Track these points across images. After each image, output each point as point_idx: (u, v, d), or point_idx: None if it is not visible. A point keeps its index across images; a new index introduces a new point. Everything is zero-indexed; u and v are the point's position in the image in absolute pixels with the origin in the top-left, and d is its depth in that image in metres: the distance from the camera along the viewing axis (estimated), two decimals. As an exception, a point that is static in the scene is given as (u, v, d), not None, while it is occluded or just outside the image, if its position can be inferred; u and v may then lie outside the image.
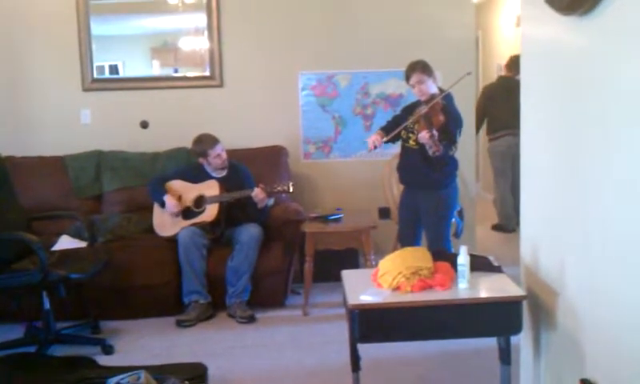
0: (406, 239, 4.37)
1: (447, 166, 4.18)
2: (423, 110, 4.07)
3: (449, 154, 4.08)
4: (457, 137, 4.12)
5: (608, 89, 2.28)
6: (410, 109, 4.33)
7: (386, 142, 4.28)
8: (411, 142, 4.22)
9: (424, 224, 4.30)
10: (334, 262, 4.42)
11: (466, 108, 4.81)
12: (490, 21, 8.90)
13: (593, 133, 2.41)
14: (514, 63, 6.57)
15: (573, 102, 2.58)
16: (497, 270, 3.15)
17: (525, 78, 3.15)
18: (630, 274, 2.18)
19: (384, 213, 5.22)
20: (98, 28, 5.63)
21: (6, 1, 5.54)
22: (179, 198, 4.87)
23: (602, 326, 2.40)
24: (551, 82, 2.81)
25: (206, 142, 4.86)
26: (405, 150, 4.32)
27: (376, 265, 3.17)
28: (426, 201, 4.24)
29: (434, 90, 4.16)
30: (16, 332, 4.29)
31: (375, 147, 4.21)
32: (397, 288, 2.95)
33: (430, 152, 3.90)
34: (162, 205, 4.86)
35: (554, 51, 2.76)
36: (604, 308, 2.38)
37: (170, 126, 5.62)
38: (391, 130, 4.25)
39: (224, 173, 4.92)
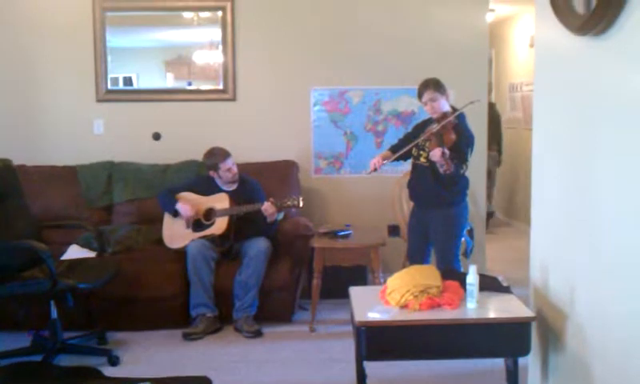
0: (415, 257, 4.34)
1: (458, 184, 4.16)
2: (435, 127, 4.06)
3: (459, 173, 4.06)
4: (468, 155, 4.10)
5: (621, 107, 2.27)
6: (421, 126, 4.32)
7: (394, 161, 4.28)
8: (422, 159, 4.21)
9: (433, 242, 4.28)
10: (343, 278, 4.41)
11: (478, 128, 4.79)
12: (503, 40, 8.90)
13: (604, 155, 2.39)
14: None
15: (585, 121, 2.57)
16: (506, 290, 3.13)
17: (538, 96, 3.14)
18: (641, 298, 2.15)
19: (393, 230, 5.20)
20: (113, 40, 5.68)
21: (22, 11, 5.60)
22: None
23: (610, 349, 2.37)
24: (564, 101, 2.80)
25: (217, 155, 4.87)
26: (415, 168, 4.31)
27: (384, 282, 3.15)
28: (435, 219, 4.22)
29: (446, 107, 4.15)
30: (22, 341, 4.28)
31: (375, 170, 4.22)
32: (405, 306, 2.93)
33: (441, 170, 3.89)
34: (174, 213, 4.86)
35: (567, 71, 2.75)
36: (613, 331, 2.35)
37: (181, 138, 5.65)
38: (400, 149, 4.24)
39: (234, 186, 4.92)
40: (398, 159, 4.29)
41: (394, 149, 4.35)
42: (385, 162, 4.24)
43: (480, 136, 4.97)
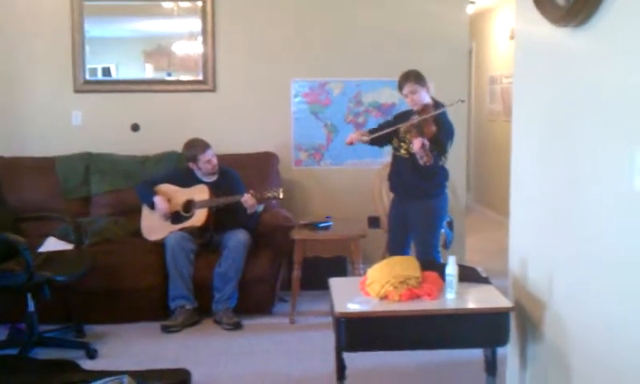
0: (395, 248, 4.35)
1: (437, 175, 4.18)
2: (415, 119, 4.07)
3: (439, 164, 4.08)
4: (447, 147, 4.12)
5: (600, 99, 2.28)
6: (401, 117, 4.33)
7: (370, 143, 4.32)
8: (402, 151, 4.21)
9: (413, 233, 4.29)
10: (323, 269, 4.39)
11: (458, 120, 4.79)
12: (484, 32, 8.93)
13: (584, 146, 2.41)
14: None
15: (564, 113, 2.58)
16: (485, 281, 3.14)
17: (517, 88, 3.15)
18: (618, 287, 2.17)
19: (374, 222, 5.20)
20: (92, 30, 5.61)
21: (-2, 0, 5.52)
22: (168, 202, 4.83)
23: (588, 338, 2.39)
24: (543, 93, 2.81)
25: (196, 146, 4.84)
26: (395, 159, 4.32)
27: (365, 273, 3.15)
28: (415, 210, 4.23)
29: (426, 99, 4.15)
30: (-1, 333, 4.25)
31: (352, 143, 4.30)
32: (384, 297, 2.93)
33: (421, 162, 3.90)
34: (152, 206, 4.82)
35: (547, 62, 2.75)
36: (591, 321, 2.36)
37: (161, 129, 5.60)
38: (377, 132, 4.27)
39: (214, 178, 4.89)
40: (373, 142, 4.31)
41: (371, 130, 4.39)
42: (362, 138, 4.29)
43: (460, 128, 4.98)
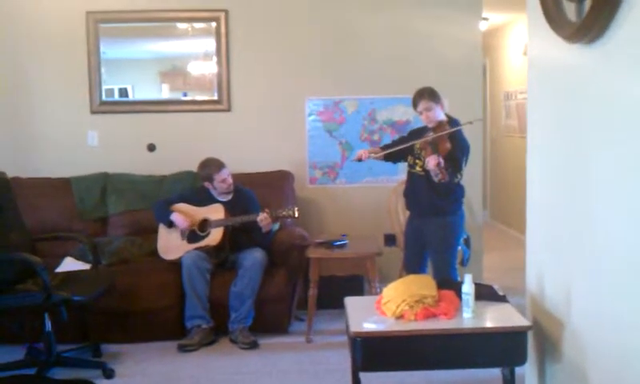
0: (412, 266, 4.33)
1: (453, 193, 4.16)
2: (430, 136, 4.06)
3: (454, 182, 4.06)
4: (463, 164, 4.10)
5: (614, 115, 2.27)
6: (416, 134, 4.32)
7: (384, 159, 4.33)
8: (417, 168, 4.20)
9: (429, 251, 4.27)
10: (339, 288, 4.38)
11: (474, 136, 4.78)
12: (497, 49, 8.92)
13: (597, 162, 2.39)
14: None
15: (578, 130, 2.57)
16: (502, 299, 3.11)
17: (531, 104, 3.14)
18: (636, 305, 2.14)
19: (390, 239, 5.18)
20: (108, 51, 5.67)
21: (17, 23, 5.60)
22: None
23: (607, 357, 2.36)
24: (557, 110, 2.80)
25: (212, 166, 4.86)
26: (411, 177, 4.31)
27: (381, 292, 3.13)
28: (431, 228, 4.21)
29: (441, 116, 4.15)
30: (16, 353, 4.25)
31: (360, 160, 4.31)
32: (400, 316, 2.92)
33: (436, 179, 3.88)
34: (169, 224, 4.84)
35: (560, 78, 2.74)
36: (610, 339, 2.33)
37: (177, 149, 5.63)
38: (390, 148, 4.28)
39: (229, 197, 4.90)
40: (387, 159, 4.32)
41: (384, 146, 4.42)
42: (372, 155, 4.32)
43: (476, 144, 4.97)
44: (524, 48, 7.48)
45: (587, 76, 2.47)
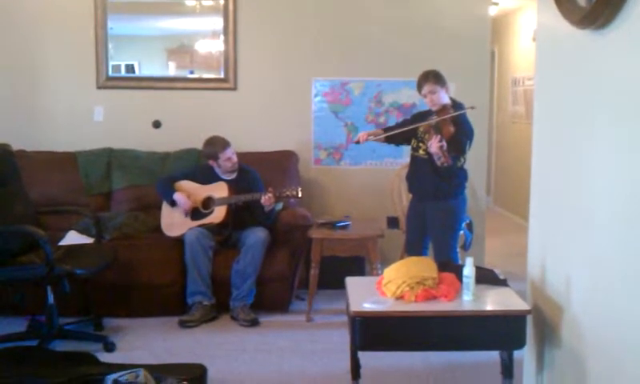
0: (413, 249, 4.34)
1: (456, 176, 4.15)
2: (434, 119, 4.05)
3: (457, 165, 4.06)
4: (466, 148, 4.09)
5: (622, 102, 2.26)
6: (420, 117, 4.31)
7: (386, 141, 4.33)
8: (421, 151, 4.20)
9: (431, 234, 4.27)
10: (340, 269, 4.39)
11: (479, 120, 4.77)
12: (507, 34, 8.87)
13: (604, 148, 2.38)
14: None
15: (585, 117, 2.56)
16: (502, 283, 3.12)
17: (538, 90, 3.12)
18: (635, 292, 2.14)
19: (392, 222, 5.19)
20: (116, 27, 5.66)
21: (24, -4, 5.59)
22: (188, 199, 4.86)
23: (606, 343, 2.37)
24: (564, 96, 2.79)
25: (216, 144, 4.86)
26: (414, 160, 4.30)
27: (382, 274, 3.14)
28: (433, 211, 4.21)
29: (445, 100, 4.13)
30: (18, 325, 4.29)
31: (358, 142, 4.35)
32: (400, 297, 2.93)
33: (439, 162, 3.88)
34: (172, 203, 4.86)
35: (569, 64, 2.73)
36: (609, 326, 2.34)
37: (182, 126, 5.64)
38: (391, 130, 4.30)
39: (234, 175, 4.91)
40: (389, 141, 4.32)
41: (386, 129, 4.42)
42: (371, 137, 4.34)
43: (481, 129, 4.95)
44: (533, 34, 7.44)
45: (595, 62, 2.46)
